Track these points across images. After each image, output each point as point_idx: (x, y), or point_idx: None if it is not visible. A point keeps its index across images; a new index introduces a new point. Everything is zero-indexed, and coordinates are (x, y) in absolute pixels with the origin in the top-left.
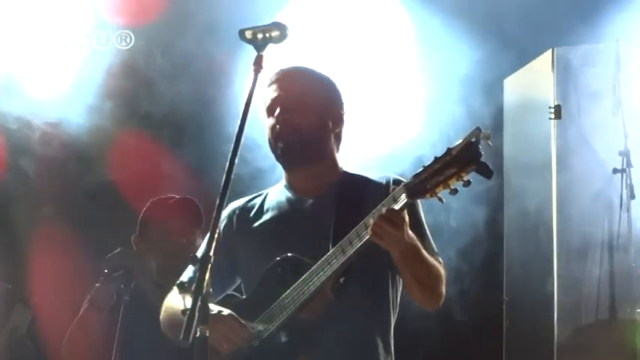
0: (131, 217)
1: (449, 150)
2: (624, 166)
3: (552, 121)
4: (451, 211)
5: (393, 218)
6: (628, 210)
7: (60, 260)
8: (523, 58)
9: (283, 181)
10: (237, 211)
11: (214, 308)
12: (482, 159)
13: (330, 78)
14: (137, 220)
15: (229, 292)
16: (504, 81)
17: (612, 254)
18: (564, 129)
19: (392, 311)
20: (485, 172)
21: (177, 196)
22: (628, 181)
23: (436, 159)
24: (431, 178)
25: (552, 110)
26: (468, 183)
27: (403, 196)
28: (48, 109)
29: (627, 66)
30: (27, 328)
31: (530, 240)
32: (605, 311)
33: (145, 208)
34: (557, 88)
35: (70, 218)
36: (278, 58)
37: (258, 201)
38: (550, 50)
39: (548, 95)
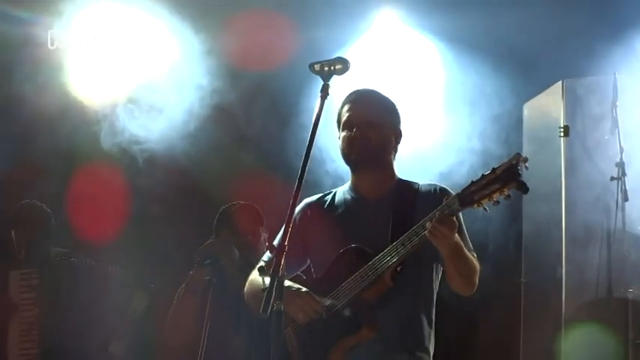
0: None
1: (494, 170)
2: (620, 175)
3: (562, 138)
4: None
5: (447, 222)
6: (623, 210)
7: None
8: (539, 86)
9: (349, 184)
10: (311, 205)
11: (294, 285)
12: (521, 178)
13: (393, 100)
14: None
15: (299, 272)
16: (524, 105)
17: (610, 245)
18: (571, 145)
19: (434, 294)
20: (522, 188)
21: (241, 202)
22: (623, 187)
23: (483, 176)
24: (478, 191)
25: (562, 129)
26: (508, 197)
27: (456, 204)
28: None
29: (623, 94)
30: (144, 313)
31: (543, 233)
32: (604, 291)
33: (217, 215)
34: (566, 111)
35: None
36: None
37: (328, 198)
38: (560, 81)
39: (559, 117)
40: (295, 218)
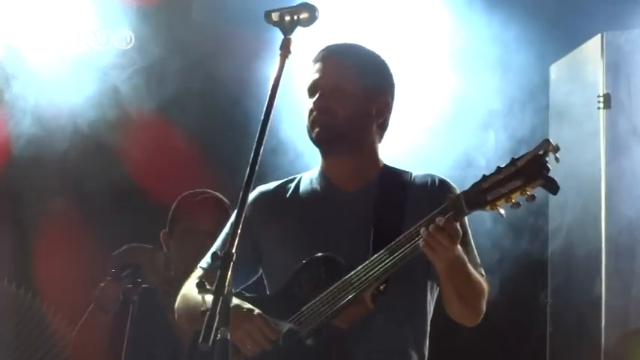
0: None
1: (514, 160)
2: None
3: (601, 110)
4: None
5: (448, 230)
6: None
7: None
8: (570, 43)
9: (318, 169)
10: (265, 196)
11: (242, 305)
12: (550, 173)
13: (381, 59)
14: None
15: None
16: (550, 67)
17: None
18: (614, 119)
19: (428, 322)
20: (551, 187)
21: (209, 192)
22: None
23: (499, 169)
24: (493, 189)
25: (601, 99)
26: (532, 198)
27: (461, 206)
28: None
29: None
30: None
31: (576, 237)
32: None
33: (174, 204)
34: (607, 75)
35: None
36: (306, 41)
37: (290, 187)
38: (599, 35)
39: (597, 83)
40: (245, 213)
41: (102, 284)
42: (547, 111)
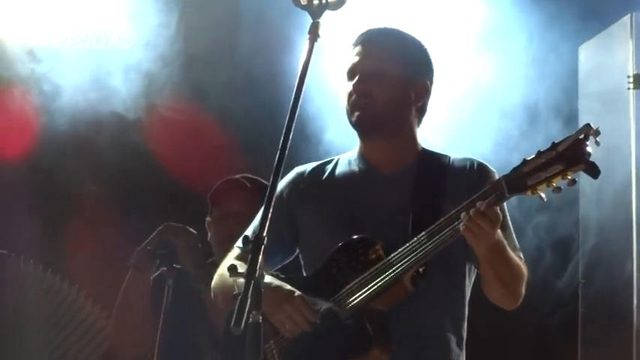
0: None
1: (554, 145)
2: None
3: (631, 91)
4: None
5: (490, 216)
6: None
7: None
8: (599, 24)
9: (357, 150)
10: (303, 177)
11: (282, 286)
12: (591, 158)
13: (421, 43)
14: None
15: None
16: (579, 48)
17: None
18: None
19: (466, 305)
20: (593, 172)
21: (243, 176)
22: None
23: (539, 153)
24: (533, 173)
25: (631, 79)
26: (573, 182)
27: (503, 190)
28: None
29: None
30: None
31: (607, 217)
32: None
33: (213, 189)
34: (636, 55)
35: None
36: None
37: (328, 168)
38: (628, 15)
39: (627, 63)
40: (282, 192)
41: (137, 249)
42: (576, 92)
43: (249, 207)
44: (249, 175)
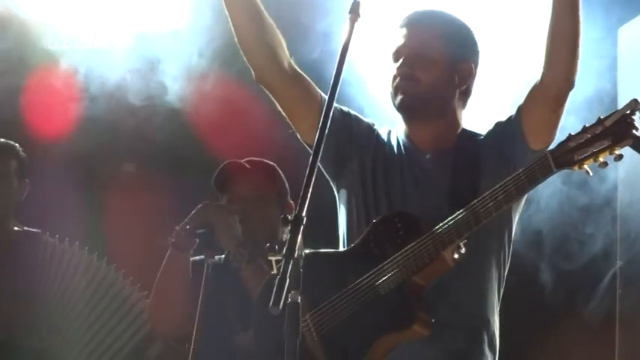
0: None
1: (601, 120)
2: None
3: None
4: None
5: None
6: None
7: None
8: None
9: (404, 128)
10: (374, 131)
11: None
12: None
13: (466, 26)
14: None
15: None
16: (618, 30)
17: None
18: None
19: (502, 287)
20: None
21: (250, 160)
22: None
23: (585, 128)
24: (580, 148)
25: None
26: (619, 157)
27: (549, 165)
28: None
29: None
30: None
31: None
32: None
33: (215, 175)
34: None
35: None
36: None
37: (384, 132)
38: None
39: None
40: (354, 118)
41: (177, 227)
42: (616, 73)
43: (254, 191)
44: (253, 158)
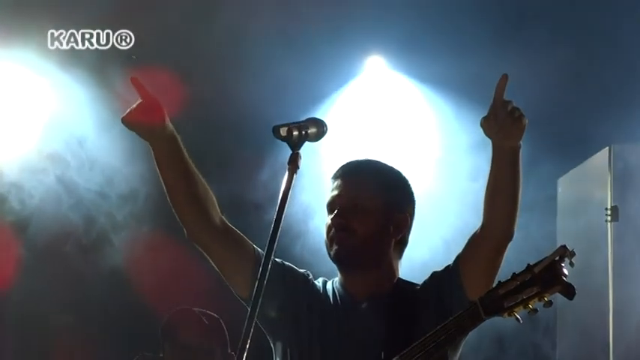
0: None
1: (530, 267)
2: None
3: (609, 223)
4: None
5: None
6: None
7: None
8: (578, 156)
9: (339, 276)
10: (308, 281)
11: None
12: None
13: (401, 175)
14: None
15: None
16: (558, 180)
17: None
18: (621, 232)
19: None
20: (569, 293)
21: (199, 310)
22: None
23: (515, 276)
24: (509, 295)
25: (609, 212)
26: (549, 303)
27: (478, 313)
28: None
29: None
30: None
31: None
32: None
33: (164, 321)
34: (614, 188)
35: None
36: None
37: (319, 282)
38: (607, 148)
39: (605, 196)
40: (287, 269)
41: None
42: (554, 223)
43: (198, 338)
44: (200, 309)
